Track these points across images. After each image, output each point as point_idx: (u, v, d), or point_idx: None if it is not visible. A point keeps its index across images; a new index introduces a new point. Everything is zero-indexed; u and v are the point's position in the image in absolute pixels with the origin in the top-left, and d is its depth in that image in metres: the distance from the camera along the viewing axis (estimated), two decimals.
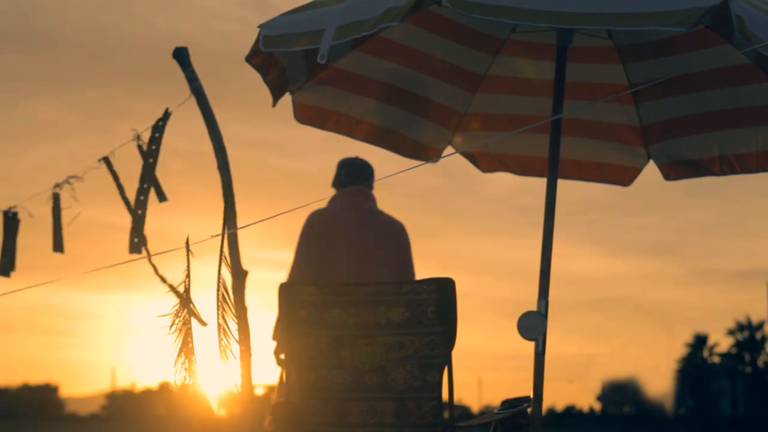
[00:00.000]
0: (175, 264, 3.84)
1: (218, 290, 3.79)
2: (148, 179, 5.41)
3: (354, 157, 6.00)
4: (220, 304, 3.79)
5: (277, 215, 3.82)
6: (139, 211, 5.44)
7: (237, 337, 3.79)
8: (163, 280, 5.13)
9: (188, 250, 3.78)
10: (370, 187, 5.91)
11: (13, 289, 6.16)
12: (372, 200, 5.92)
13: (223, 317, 3.79)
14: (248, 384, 5.30)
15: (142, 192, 5.44)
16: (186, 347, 3.81)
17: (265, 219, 3.87)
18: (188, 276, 3.80)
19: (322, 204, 6.08)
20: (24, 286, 5.84)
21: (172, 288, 4.44)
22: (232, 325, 3.79)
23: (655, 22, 3.51)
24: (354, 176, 5.85)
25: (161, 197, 5.51)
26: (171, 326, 3.81)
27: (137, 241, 5.40)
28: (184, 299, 3.80)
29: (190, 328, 3.86)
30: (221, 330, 3.78)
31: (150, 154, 5.39)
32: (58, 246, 6.43)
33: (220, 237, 3.80)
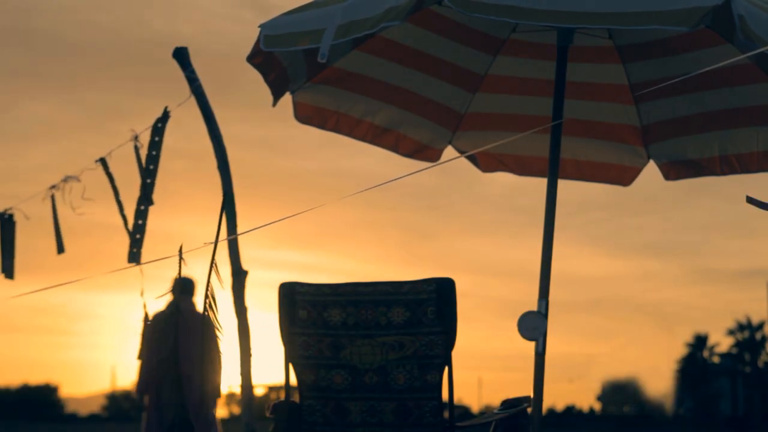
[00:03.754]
0: (173, 264, 3.85)
1: (205, 298, 3.79)
2: (147, 188, 5.39)
3: (183, 277, 8.02)
4: (205, 311, 3.79)
5: (272, 223, 3.82)
6: (140, 221, 5.42)
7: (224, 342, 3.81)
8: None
9: (181, 257, 3.79)
10: (192, 294, 8.44)
11: (23, 292, 6.15)
12: (193, 305, 8.41)
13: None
14: (248, 384, 5.30)
15: (143, 201, 5.42)
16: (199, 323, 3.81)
17: (260, 227, 3.87)
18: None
19: (322, 208, 6.22)
20: (31, 290, 5.84)
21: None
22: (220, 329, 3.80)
23: (656, 22, 3.50)
24: (182, 289, 8.29)
25: (148, 202, 5.49)
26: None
27: (136, 251, 5.41)
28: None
29: (177, 340, 3.86)
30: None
31: (150, 160, 5.37)
32: (60, 248, 6.43)
33: (222, 241, 3.81)
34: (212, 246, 3.85)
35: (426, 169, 4.72)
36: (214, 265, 3.82)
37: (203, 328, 8.39)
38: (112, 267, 5.61)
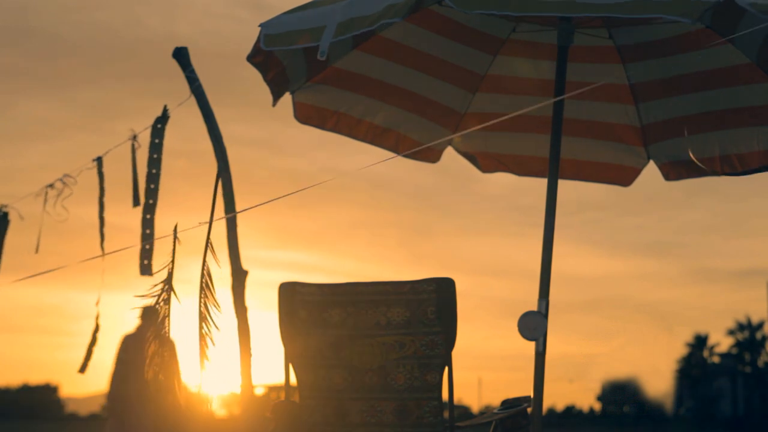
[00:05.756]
0: (169, 257, 3.83)
1: (202, 277, 3.78)
2: (151, 194, 5.36)
3: (149, 305, 9.42)
4: (202, 290, 3.78)
5: (271, 201, 3.80)
6: (147, 230, 5.39)
7: (218, 326, 3.79)
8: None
9: (175, 236, 3.78)
10: (156, 320, 9.43)
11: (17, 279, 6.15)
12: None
13: (205, 305, 3.78)
14: (248, 384, 5.30)
15: (149, 209, 5.39)
16: (162, 339, 3.82)
17: (256, 206, 3.85)
18: (173, 261, 3.79)
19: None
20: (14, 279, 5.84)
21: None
22: (214, 312, 3.79)
23: (659, 11, 3.47)
24: (147, 315, 9.81)
25: (136, 202, 5.47)
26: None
27: (147, 263, 5.38)
28: (166, 283, 3.80)
29: (169, 316, 3.85)
30: (202, 318, 3.77)
31: (153, 163, 5.35)
32: (36, 247, 6.42)
33: (217, 225, 3.80)
34: (207, 227, 3.83)
35: (396, 157, 4.70)
36: (209, 244, 3.80)
37: (163, 348, 9.37)
38: (112, 267, 5.61)
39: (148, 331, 10.85)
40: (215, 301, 3.81)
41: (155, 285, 3.89)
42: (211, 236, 3.86)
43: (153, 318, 10.95)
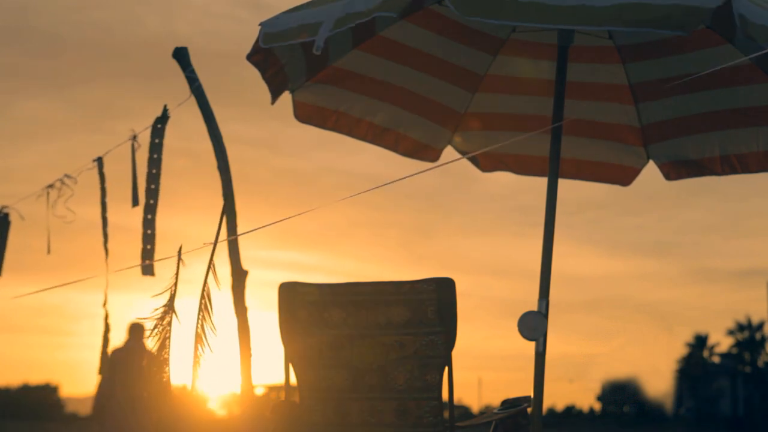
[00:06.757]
0: (173, 265, 3.84)
1: (201, 299, 3.79)
2: (152, 194, 5.35)
3: (135, 322, 10.91)
4: (201, 312, 3.79)
5: (274, 223, 3.81)
6: (149, 231, 5.39)
7: (212, 349, 3.81)
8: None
9: (179, 258, 3.78)
10: (142, 336, 10.85)
11: (27, 293, 6.14)
12: (142, 342, 10.84)
13: (202, 326, 3.79)
14: (248, 384, 5.30)
15: (150, 210, 5.39)
16: (161, 356, 3.82)
17: (261, 227, 3.86)
18: (175, 284, 3.80)
19: (326, 207, 6.28)
20: (36, 290, 5.84)
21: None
22: (210, 334, 3.80)
23: (657, 24, 3.47)
24: (133, 331, 10.84)
25: (135, 202, 5.47)
26: (153, 330, 3.82)
27: (149, 264, 5.38)
28: (168, 306, 3.81)
29: (169, 338, 3.86)
30: (198, 339, 3.78)
31: (153, 163, 5.35)
32: (48, 248, 6.42)
33: (221, 241, 3.81)
34: (211, 246, 3.84)
35: (429, 169, 4.71)
36: (211, 266, 3.81)
37: (147, 361, 9.65)
38: (113, 268, 5.61)
39: (136, 345, 10.84)
40: (212, 324, 3.82)
41: (156, 309, 3.89)
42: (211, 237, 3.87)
43: (140, 333, 10.97)
